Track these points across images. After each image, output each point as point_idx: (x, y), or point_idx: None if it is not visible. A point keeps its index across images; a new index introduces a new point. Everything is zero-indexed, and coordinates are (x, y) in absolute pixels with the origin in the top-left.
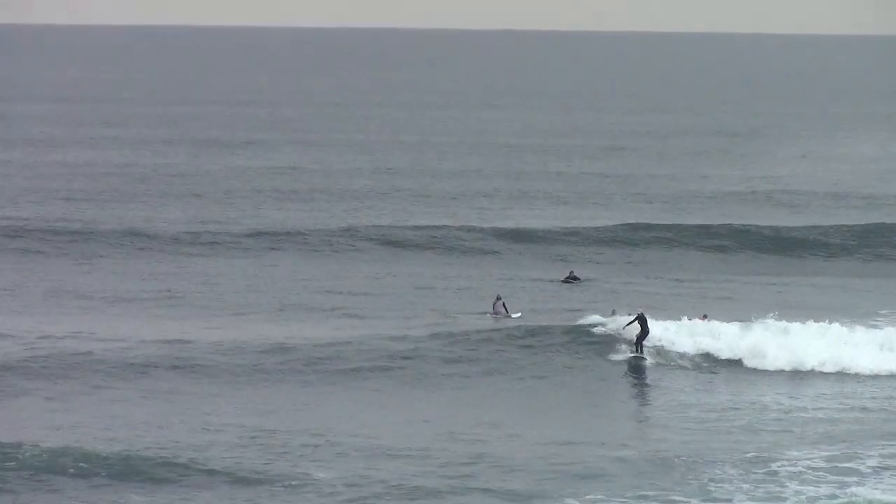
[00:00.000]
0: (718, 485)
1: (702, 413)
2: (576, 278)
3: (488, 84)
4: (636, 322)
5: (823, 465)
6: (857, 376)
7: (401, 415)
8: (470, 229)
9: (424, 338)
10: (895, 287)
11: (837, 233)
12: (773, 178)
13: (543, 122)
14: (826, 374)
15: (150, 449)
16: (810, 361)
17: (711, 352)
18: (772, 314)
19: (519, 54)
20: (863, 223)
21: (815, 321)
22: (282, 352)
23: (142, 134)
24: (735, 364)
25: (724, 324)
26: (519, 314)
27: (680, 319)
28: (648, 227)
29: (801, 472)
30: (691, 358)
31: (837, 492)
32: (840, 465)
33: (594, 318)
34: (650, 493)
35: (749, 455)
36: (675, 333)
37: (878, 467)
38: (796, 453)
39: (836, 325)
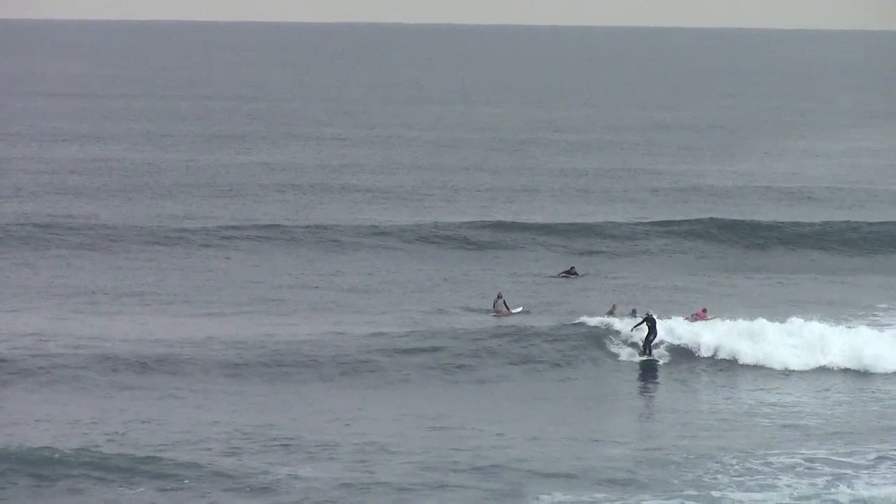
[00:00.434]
0: (714, 476)
1: (701, 409)
2: (575, 273)
3: (490, 79)
4: (644, 324)
5: (819, 459)
6: (858, 373)
7: (397, 413)
8: (469, 225)
9: (423, 335)
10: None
11: (839, 228)
12: (773, 175)
13: (540, 116)
14: (825, 370)
15: (137, 447)
16: (811, 359)
17: (708, 348)
18: (771, 310)
19: (517, 49)
20: (866, 220)
21: (816, 317)
22: (280, 348)
23: (139, 129)
24: (734, 361)
25: (722, 320)
26: (520, 308)
27: (673, 315)
28: (647, 221)
29: (795, 465)
30: (687, 354)
31: (831, 487)
32: (837, 460)
33: (594, 320)
34: (645, 486)
35: (745, 450)
36: (672, 329)
37: (875, 461)
38: (793, 449)
39: (841, 322)
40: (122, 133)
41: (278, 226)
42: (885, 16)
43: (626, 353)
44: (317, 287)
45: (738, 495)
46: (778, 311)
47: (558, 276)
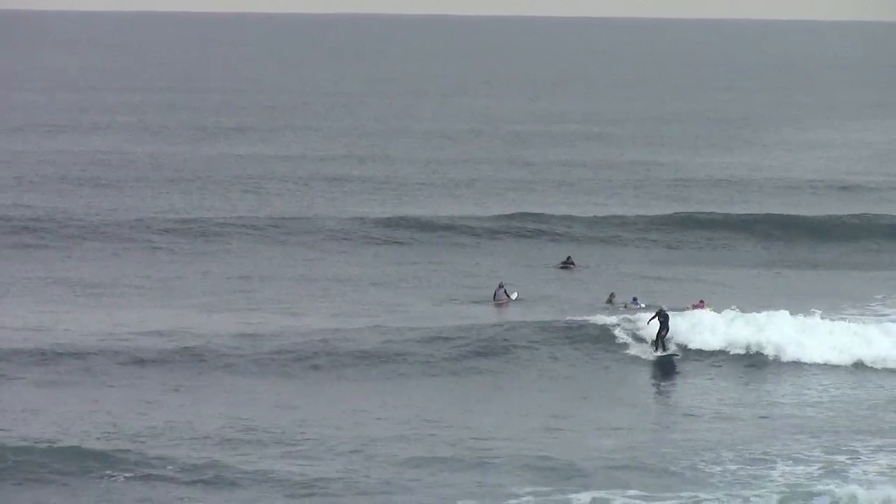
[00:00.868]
0: (711, 467)
1: (700, 405)
2: (572, 264)
3: (492, 71)
4: (656, 318)
5: (816, 455)
6: (860, 369)
7: (395, 407)
8: (469, 217)
9: (422, 328)
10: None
11: (838, 220)
12: (771, 167)
13: (539, 109)
14: (821, 365)
15: (132, 441)
16: (808, 353)
17: (707, 342)
18: (772, 304)
19: (514, 41)
20: (866, 212)
21: (817, 310)
22: (276, 342)
23: (136, 122)
24: (734, 355)
25: (719, 313)
26: (515, 294)
27: (677, 308)
28: (644, 214)
29: (793, 460)
30: (686, 347)
31: (828, 480)
32: (832, 457)
33: (594, 318)
34: (645, 485)
35: (744, 444)
36: (673, 322)
37: (871, 457)
38: (792, 444)
39: (844, 317)
40: (118, 125)
41: (276, 218)
42: (883, 8)
43: (654, 357)
44: (315, 279)
45: (735, 490)
46: (775, 304)
47: (557, 267)
